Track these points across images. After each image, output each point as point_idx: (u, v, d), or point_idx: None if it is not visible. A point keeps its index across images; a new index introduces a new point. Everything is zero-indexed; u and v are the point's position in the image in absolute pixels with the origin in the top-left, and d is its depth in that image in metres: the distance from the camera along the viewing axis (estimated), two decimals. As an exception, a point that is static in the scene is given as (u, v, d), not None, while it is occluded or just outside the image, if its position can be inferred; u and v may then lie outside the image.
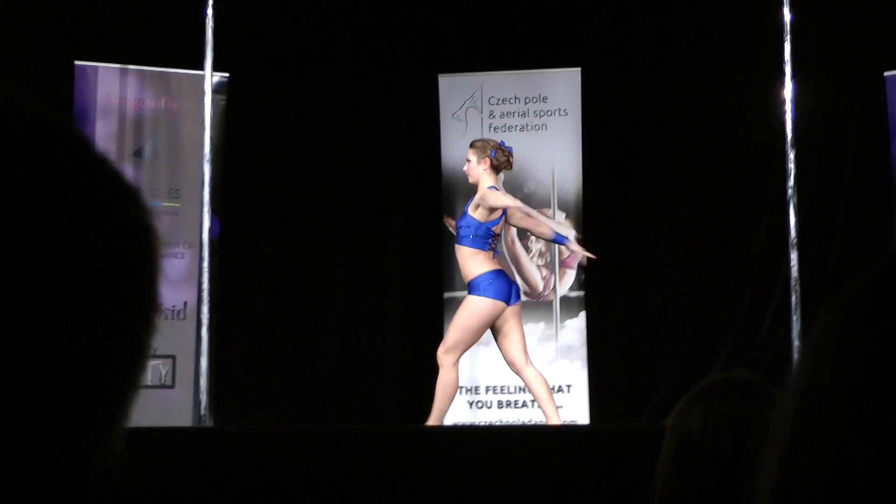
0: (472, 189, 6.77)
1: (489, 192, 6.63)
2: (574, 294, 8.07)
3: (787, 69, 7.02)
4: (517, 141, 8.10)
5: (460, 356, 6.57)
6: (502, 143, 6.80)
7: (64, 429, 0.67)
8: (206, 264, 6.80)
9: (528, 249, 8.10)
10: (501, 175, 7.99)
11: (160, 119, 7.70)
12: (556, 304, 8.05)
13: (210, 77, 6.98)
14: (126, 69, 7.65)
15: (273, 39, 8.47)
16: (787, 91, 7.02)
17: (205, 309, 6.75)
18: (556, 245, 7.91)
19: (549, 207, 8.05)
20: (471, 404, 7.93)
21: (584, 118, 8.16)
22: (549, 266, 8.10)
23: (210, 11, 6.95)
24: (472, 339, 6.59)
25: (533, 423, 7.62)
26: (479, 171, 6.67)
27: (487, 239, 6.61)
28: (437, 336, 7.09)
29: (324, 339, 8.38)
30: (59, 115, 0.72)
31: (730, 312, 8.06)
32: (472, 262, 6.56)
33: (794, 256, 6.87)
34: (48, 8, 7.71)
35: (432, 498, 4.69)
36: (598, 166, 8.34)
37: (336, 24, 8.57)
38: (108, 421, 0.70)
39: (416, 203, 8.57)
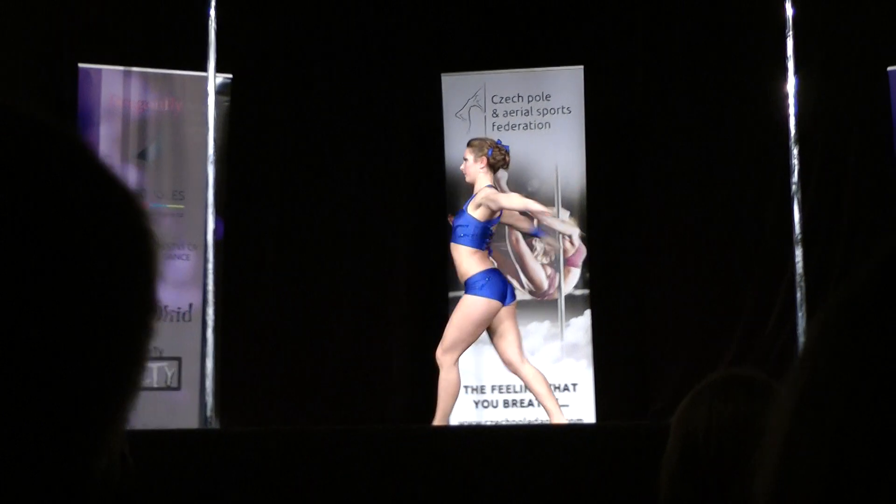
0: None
1: (501, 195, 6.67)
2: (579, 292, 8.06)
3: (790, 65, 7.02)
4: (521, 139, 8.11)
5: (459, 356, 6.55)
6: (499, 142, 6.82)
7: (63, 430, 0.67)
8: (210, 266, 6.80)
9: (532, 248, 8.10)
10: (505, 174, 8.00)
11: (164, 121, 7.70)
12: (562, 303, 8.05)
13: (213, 78, 6.99)
14: (129, 71, 7.65)
15: (276, 40, 8.48)
16: (791, 87, 7.02)
17: (210, 310, 6.75)
18: (561, 243, 7.91)
19: (553, 206, 8.04)
20: (476, 404, 7.93)
21: (588, 116, 8.16)
22: (554, 264, 8.09)
23: (213, 12, 6.95)
24: (470, 339, 6.57)
25: (538, 422, 7.61)
26: (475, 169, 6.69)
27: (485, 238, 6.63)
28: (442, 336, 7.09)
29: (329, 339, 8.38)
30: (58, 119, 0.73)
31: (735, 310, 8.05)
32: (470, 260, 6.56)
33: (798, 253, 6.87)
34: (51, 11, 7.71)
35: (439, 498, 4.69)
36: (601, 164, 8.34)
37: (338, 25, 8.57)
38: (108, 423, 0.70)
39: (420, 203, 8.56)
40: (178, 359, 7.42)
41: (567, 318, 8.03)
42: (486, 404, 7.93)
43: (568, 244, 7.72)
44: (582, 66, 8.21)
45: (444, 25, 8.66)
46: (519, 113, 8.26)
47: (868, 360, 0.64)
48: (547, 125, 8.22)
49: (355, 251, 8.45)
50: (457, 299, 7.73)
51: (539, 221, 7.24)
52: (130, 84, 7.65)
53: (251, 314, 8.19)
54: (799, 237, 6.89)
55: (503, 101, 8.28)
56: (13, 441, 0.65)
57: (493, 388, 7.92)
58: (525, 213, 6.92)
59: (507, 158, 6.79)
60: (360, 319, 8.46)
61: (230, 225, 7.66)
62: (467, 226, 6.59)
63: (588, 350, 7.96)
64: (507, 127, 8.20)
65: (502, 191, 7.79)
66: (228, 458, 4.88)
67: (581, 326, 8.02)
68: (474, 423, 7.81)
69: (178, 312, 7.48)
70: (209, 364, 6.64)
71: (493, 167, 6.73)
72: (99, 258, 0.69)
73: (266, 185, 8.45)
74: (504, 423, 7.78)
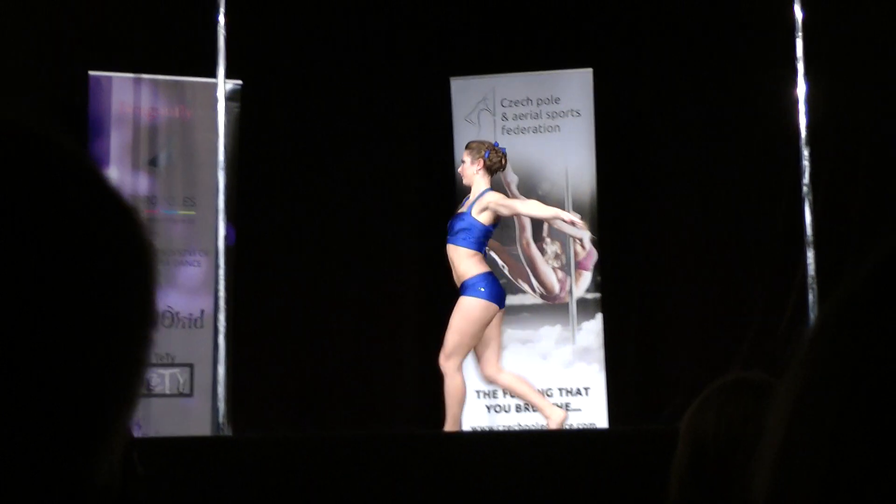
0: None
1: (516, 202, 6.73)
2: (590, 296, 8.05)
3: (800, 67, 7.01)
4: (530, 143, 8.11)
5: (462, 360, 6.53)
6: (496, 144, 6.85)
7: (63, 438, 0.68)
8: (222, 272, 6.81)
9: (543, 251, 8.09)
10: (515, 178, 8.00)
11: (174, 127, 7.72)
12: (573, 307, 8.03)
13: (223, 84, 7.00)
14: (140, 78, 7.67)
15: (285, 45, 8.49)
16: (800, 89, 7.01)
17: (221, 317, 6.75)
18: (571, 247, 7.91)
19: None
20: (489, 408, 7.93)
21: (597, 119, 8.15)
22: (565, 268, 8.09)
23: (222, 19, 6.96)
24: (471, 342, 6.54)
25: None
26: (472, 171, 6.73)
27: (485, 241, 6.67)
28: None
29: (340, 345, 8.38)
30: (61, 129, 0.73)
31: (747, 312, 8.04)
32: (469, 262, 6.56)
33: (810, 255, 6.86)
34: (62, 19, 7.74)
35: (451, 502, 4.69)
36: (611, 167, 8.33)
37: (347, 30, 8.58)
38: (107, 430, 0.71)
39: (430, 207, 8.56)
40: (191, 365, 7.42)
41: (579, 322, 8.02)
42: (498, 409, 7.93)
43: (579, 247, 7.71)
44: (591, 69, 8.21)
45: (452, 29, 8.66)
46: (528, 116, 8.26)
47: (866, 360, 0.64)
48: (556, 128, 8.22)
49: (366, 256, 8.45)
50: (468, 304, 7.72)
51: (550, 223, 7.25)
52: (141, 91, 7.67)
53: (263, 320, 8.20)
54: (810, 239, 6.87)
55: (512, 104, 8.28)
56: (12, 452, 0.65)
57: (505, 393, 7.91)
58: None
59: (503, 161, 6.82)
60: (372, 325, 8.46)
61: (241, 231, 7.67)
62: (470, 229, 6.59)
63: (600, 354, 7.95)
64: (516, 130, 8.20)
65: (513, 195, 7.80)
66: (240, 465, 4.88)
67: (593, 330, 8.00)
68: (487, 428, 7.80)
69: (190, 319, 7.49)
70: (221, 370, 6.64)
71: (490, 170, 6.75)
72: (97, 270, 0.69)
73: (277, 190, 8.46)
74: (517, 427, 7.78)
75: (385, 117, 8.62)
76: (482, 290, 6.48)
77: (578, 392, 7.84)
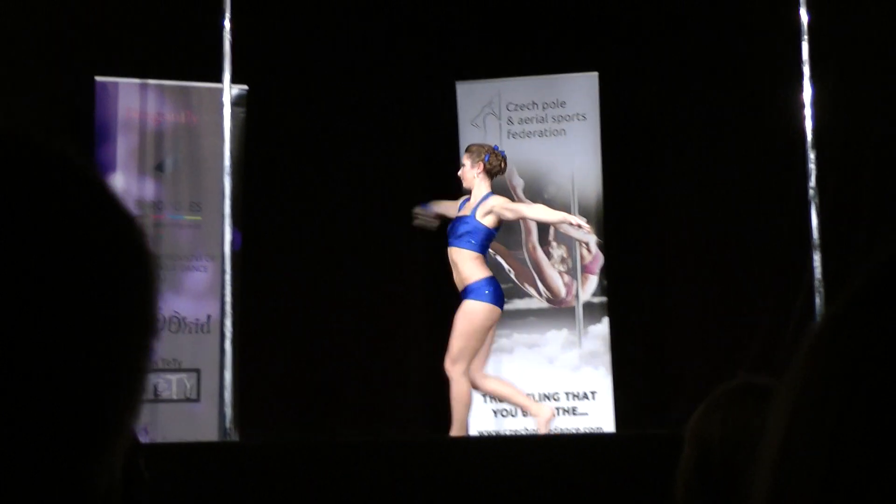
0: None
1: (522, 206, 6.72)
2: (597, 300, 8.05)
3: (806, 70, 7.00)
4: (536, 147, 8.12)
5: (468, 364, 6.50)
6: (496, 147, 6.84)
7: (62, 445, 0.68)
8: (228, 277, 6.81)
9: (549, 255, 8.09)
10: (521, 182, 8.00)
11: (180, 133, 7.73)
12: (579, 311, 8.03)
13: (229, 90, 7.01)
14: (146, 84, 7.68)
15: (290, 50, 8.50)
16: (807, 92, 7.00)
17: (228, 322, 6.75)
18: (578, 250, 7.91)
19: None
20: (496, 413, 7.92)
21: (603, 122, 8.15)
22: (571, 272, 8.08)
23: (227, 24, 6.98)
24: (476, 346, 6.50)
25: (559, 431, 7.60)
26: (472, 175, 6.73)
27: (489, 244, 6.68)
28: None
29: (348, 350, 8.39)
30: (59, 139, 0.73)
31: (754, 316, 8.03)
32: (472, 265, 6.56)
33: (817, 258, 6.85)
34: (68, 25, 7.75)
35: (457, 507, 4.69)
36: (617, 170, 8.33)
37: (353, 34, 8.59)
38: (108, 436, 0.71)
39: (436, 211, 8.56)
40: (197, 370, 7.43)
41: (585, 326, 8.02)
42: (505, 413, 7.92)
43: (585, 251, 7.72)
44: (597, 73, 8.21)
45: (458, 33, 8.67)
46: (534, 120, 8.26)
47: (866, 360, 0.64)
48: (562, 132, 8.22)
49: (373, 260, 8.45)
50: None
51: (557, 227, 7.26)
52: (147, 96, 7.68)
53: (269, 325, 8.20)
54: (817, 242, 6.86)
55: (518, 108, 8.28)
56: (13, 460, 0.66)
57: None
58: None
59: (503, 164, 6.81)
60: (379, 330, 8.46)
61: (247, 236, 7.68)
62: (474, 232, 6.58)
63: (606, 358, 7.95)
64: (522, 134, 8.21)
65: (519, 199, 7.80)
66: (248, 471, 4.88)
67: (599, 334, 8.00)
68: (493, 433, 7.80)
69: (197, 324, 7.50)
70: (228, 375, 6.64)
71: (490, 173, 6.74)
72: (98, 279, 0.70)
73: (283, 195, 8.46)
74: (524, 431, 7.77)
75: (391, 122, 8.62)
76: (487, 293, 6.47)
77: (585, 396, 7.84)
